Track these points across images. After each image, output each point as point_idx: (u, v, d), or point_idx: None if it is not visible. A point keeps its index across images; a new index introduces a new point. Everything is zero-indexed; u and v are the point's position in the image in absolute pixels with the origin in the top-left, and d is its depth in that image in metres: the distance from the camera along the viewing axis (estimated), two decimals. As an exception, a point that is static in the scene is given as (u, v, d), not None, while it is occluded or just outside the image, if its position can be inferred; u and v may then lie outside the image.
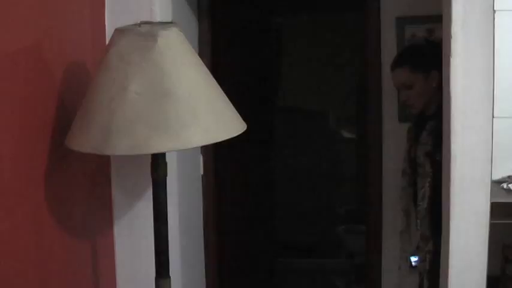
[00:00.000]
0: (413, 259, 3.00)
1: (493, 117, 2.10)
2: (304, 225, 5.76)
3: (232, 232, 3.62)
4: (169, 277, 1.98)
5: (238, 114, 1.96)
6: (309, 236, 5.71)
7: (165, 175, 1.93)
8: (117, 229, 2.41)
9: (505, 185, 2.16)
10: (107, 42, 2.08)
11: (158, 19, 2.26)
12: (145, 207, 2.29)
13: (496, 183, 2.16)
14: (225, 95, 1.95)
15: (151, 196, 1.94)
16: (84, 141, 1.81)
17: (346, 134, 5.99)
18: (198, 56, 1.99)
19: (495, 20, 2.07)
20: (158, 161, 1.91)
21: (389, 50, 3.23)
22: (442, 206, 2.64)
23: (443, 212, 2.22)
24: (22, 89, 1.78)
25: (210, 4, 3.13)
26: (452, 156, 2.10)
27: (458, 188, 2.11)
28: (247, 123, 1.97)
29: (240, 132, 1.92)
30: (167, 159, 1.93)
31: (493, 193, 2.11)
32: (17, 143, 1.76)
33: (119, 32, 1.86)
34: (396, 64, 2.89)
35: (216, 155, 3.24)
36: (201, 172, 3.17)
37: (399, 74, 2.86)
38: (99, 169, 2.31)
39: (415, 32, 3.24)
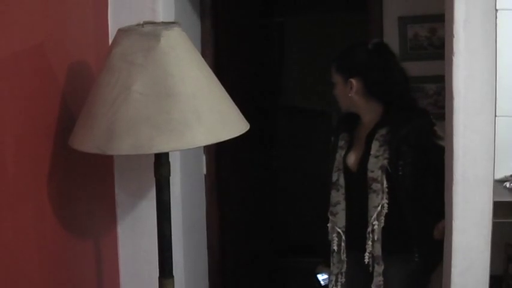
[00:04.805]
0: (322, 277, 2.81)
1: (495, 116, 2.10)
2: (307, 224, 5.76)
3: (235, 232, 3.62)
4: (173, 276, 1.99)
5: (241, 114, 1.97)
6: (311, 236, 5.70)
7: (168, 175, 1.94)
8: (120, 229, 2.41)
9: (507, 184, 2.16)
10: (110, 43, 2.08)
11: (161, 19, 2.26)
12: (149, 207, 2.29)
13: (499, 183, 2.17)
14: (227, 94, 1.96)
15: (155, 196, 1.94)
16: (88, 141, 1.82)
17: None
18: (200, 56, 2.00)
19: (497, 19, 2.06)
20: (161, 161, 1.91)
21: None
22: (400, 224, 2.50)
23: (446, 211, 2.22)
24: (26, 89, 1.79)
25: (212, 4, 3.13)
26: (454, 155, 2.10)
27: (461, 188, 2.10)
28: (249, 123, 1.98)
29: (243, 132, 1.92)
30: (170, 159, 1.94)
31: (495, 192, 2.11)
32: (21, 143, 1.77)
33: (122, 32, 1.86)
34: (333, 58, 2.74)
35: (219, 154, 3.25)
36: (204, 172, 3.17)
37: (331, 68, 2.71)
38: (102, 169, 2.32)
39: (417, 31, 3.24)
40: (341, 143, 2.72)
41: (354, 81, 2.60)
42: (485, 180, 2.10)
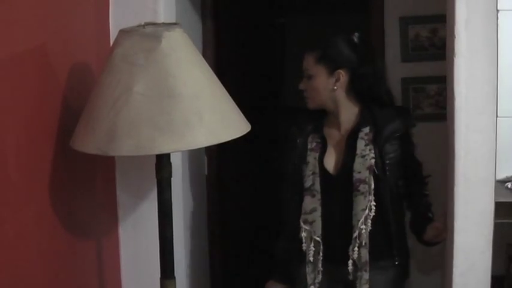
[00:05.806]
0: None
1: (496, 116, 2.10)
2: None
3: (237, 232, 3.62)
4: (174, 277, 1.99)
5: (243, 115, 1.97)
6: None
7: (170, 176, 1.94)
8: (122, 230, 2.41)
9: (509, 185, 2.17)
10: (111, 44, 2.08)
11: (162, 20, 2.26)
12: (150, 208, 2.29)
13: (500, 183, 2.17)
14: (229, 95, 1.96)
15: (156, 197, 1.94)
16: (89, 142, 1.82)
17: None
18: (202, 57, 2.00)
19: (498, 19, 2.07)
20: (163, 162, 1.91)
21: (392, 50, 3.23)
22: (383, 227, 2.35)
23: (448, 211, 2.22)
24: (27, 89, 1.79)
25: (213, 5, 3.14)
26: (456, 156, 2.10)
27: (463, 188, 2.11)
28: (251, 124, 1.98)
29: (244, 133, 1.92)
30: (172, 160, 1.94)
31: (497, 193, 2.11)
32: (23, 144, 1.77)
33: (123, 33, 1.87)
34: (310, 47, 2.50)
35: (220, 155, 3.25)
36: (206, 173, 3.18)
37: (306, 59, 2.49)
38: (103, 170, 2.32)
39: (418, 32, 3.24)
40: (312, 144, 2.46)
41: (343, 72, 2.38)
42: (486, 181, 2.11)
